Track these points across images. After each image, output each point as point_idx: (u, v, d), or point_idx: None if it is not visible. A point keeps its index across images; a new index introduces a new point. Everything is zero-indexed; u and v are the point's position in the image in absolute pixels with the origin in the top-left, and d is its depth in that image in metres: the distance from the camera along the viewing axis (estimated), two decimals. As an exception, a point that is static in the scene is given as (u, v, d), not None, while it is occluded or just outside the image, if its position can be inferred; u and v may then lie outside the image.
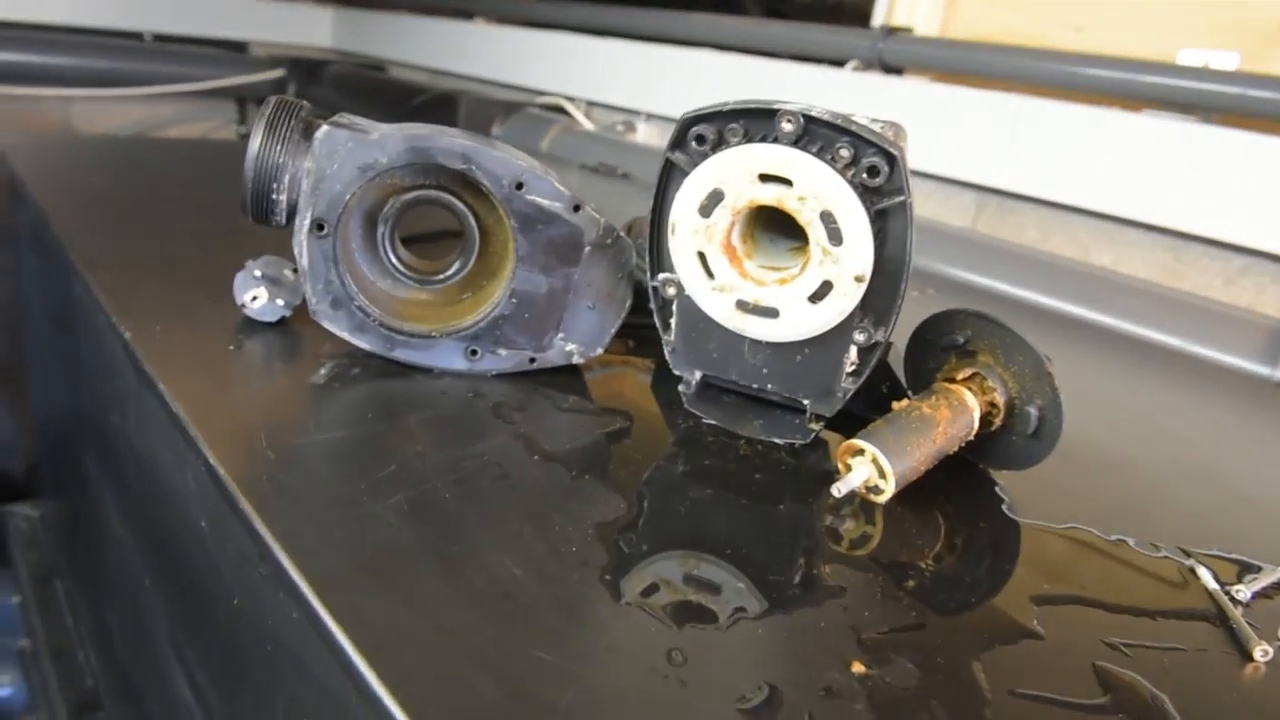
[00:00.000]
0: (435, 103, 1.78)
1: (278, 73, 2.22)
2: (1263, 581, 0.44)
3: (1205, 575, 0.43)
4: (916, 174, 1.28)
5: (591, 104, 1.77)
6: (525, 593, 0.34)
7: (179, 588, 0.56)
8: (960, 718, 0.31)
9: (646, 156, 1.47)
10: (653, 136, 1.65)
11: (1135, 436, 0.63)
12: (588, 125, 1.69)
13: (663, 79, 1.60)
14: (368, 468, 0.41)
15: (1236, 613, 0.41)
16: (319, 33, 2.45)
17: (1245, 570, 0.45)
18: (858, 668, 0.32)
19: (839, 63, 1.34)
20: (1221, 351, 0.88)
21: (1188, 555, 0.45)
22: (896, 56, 1.27)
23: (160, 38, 2.23)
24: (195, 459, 0.44)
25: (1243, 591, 0.42)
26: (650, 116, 1.65)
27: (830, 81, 1.33)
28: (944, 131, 1.20)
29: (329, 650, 0.31)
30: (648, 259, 0.49)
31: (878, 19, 1.33)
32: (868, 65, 1.31)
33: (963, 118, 1.18)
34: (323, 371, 0.51)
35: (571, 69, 1.79)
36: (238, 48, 2.35)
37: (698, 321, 0.48)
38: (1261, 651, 0.38)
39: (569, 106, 1.74)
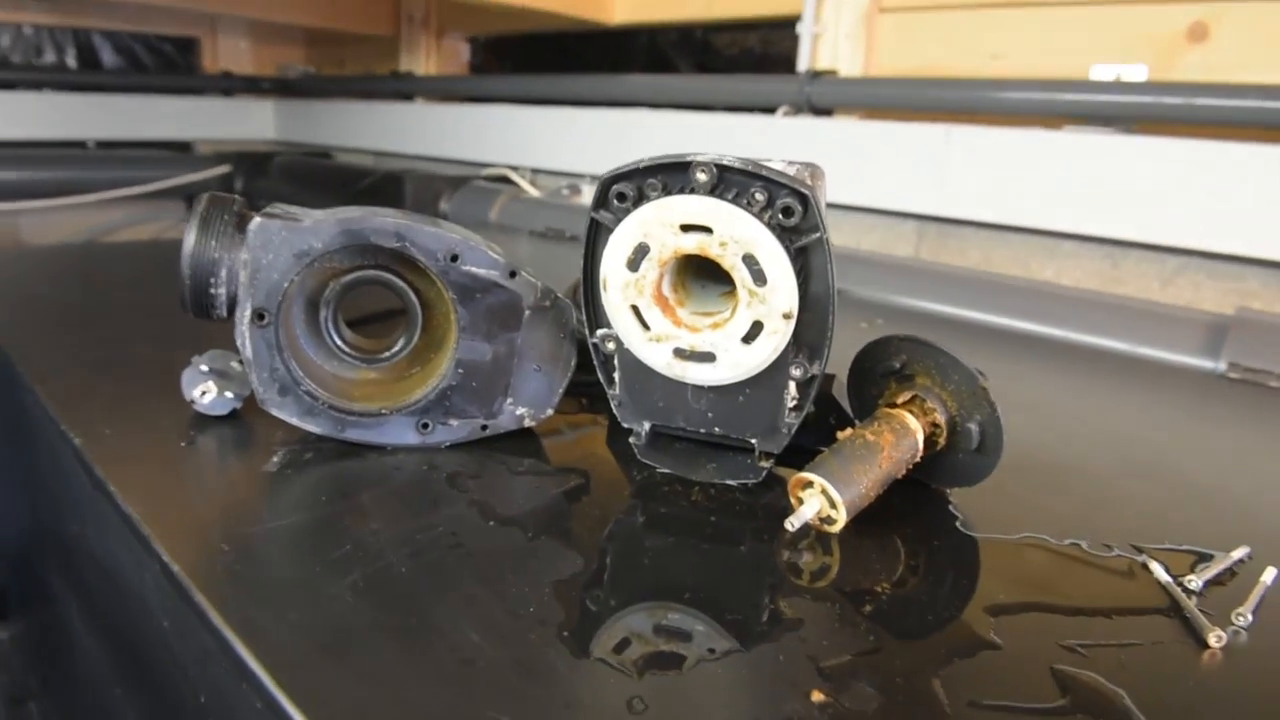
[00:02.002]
0: (382, 183, 1.81)
1: (224, 169, 2.24)
2: (1214, 569, 0.45)
3: (1157, 569, 0.44)
4: (858, 209, 1.31)
5: (536, 171, 1.80)
6: (483, 657, 0.34)
7: (149, 693, 0.55)
8: (920, 735, 0.31)
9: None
10: (599, 196, 1.68)
11: (1085, 440, 0.65)
12: (533, 192, 1.71)
13: (603, 141, 1.64)
14: (322, 549, 0.41)
15: (1190, 603, 0.41)
16: (262, 126, 2.48)
17: (1198, 560, 0.46)
18: (817, 696, 0.33)
19: (770, 109, 1.38)
20: (1165, 350, 0.91)
21: (1140, 551, 0.46)
22: (824, 99, 1.31)
23: (104, 144, 2.24)
24: (150, 559, 0.44)
25: (1195, 581, 0.43)
26: (594, 179, 1.68)
27: (764, 128, 1.37)
28: (879, 166, 1.24)
29: (289, 737, 0.31)
30: (585, 316, 0.50)
31: (802, 64, 1.38)
32: (798, 109, 1.35)
33: (895, 151, 1.22)
34: (275, 459, 0.52)
35: (513, 139, 1.82)
36: (182, 147, 2.37)
37: (640, 373, 0.49)
38: (1216, 638, 0.39)
39: (514, 176, 1.77)
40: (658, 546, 0.44)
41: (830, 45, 1.35)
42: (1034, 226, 1.13)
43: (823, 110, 1.34)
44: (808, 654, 0.36)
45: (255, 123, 2.44)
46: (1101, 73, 1.12)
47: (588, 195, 1.65)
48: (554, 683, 0.33)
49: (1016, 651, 0.37)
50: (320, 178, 2.08)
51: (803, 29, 1.37)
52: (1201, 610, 0.41)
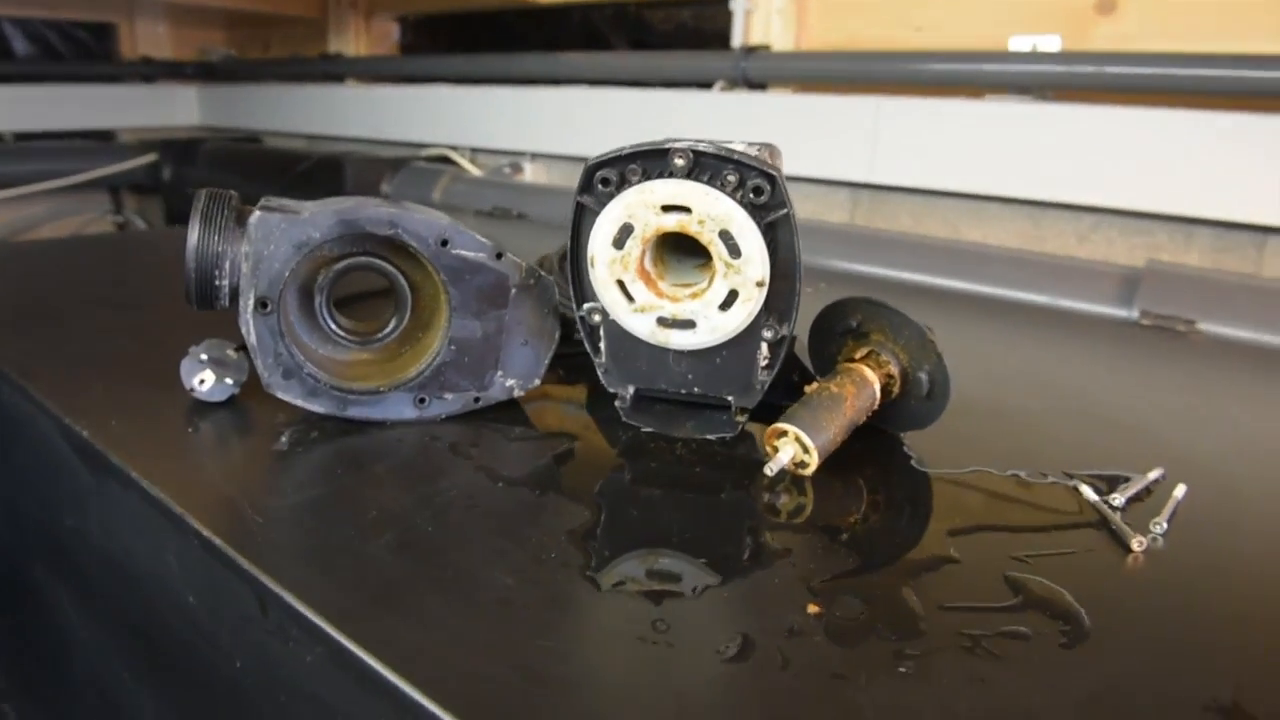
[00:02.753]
0: (319, 168, 1.80)
1: (149, 157, 2.20)
2: (1133, 488, 0.51)
3: (1086, 491, 0.51)
4: (793, 179, 1.37)
5: (476, 150, 1.82)
6: (520, 597, 0.38)
7: (166, 672, 0.58)
8: (903, 633, 0.37)
9: (538, 195, 1.53)
10: (540, 175, 1.71)
11: (1017, 387, 0.71)
12: (475, 172, 1.73)
13: (542, 119, 1.66)
14: (351, 517, 0.45)
15: (1115, 516, 0.48)
16: (186, 112, 2.43)
17: (1119, 482, 0.53)
18: (813, 609, 0.38)
19: (706, 84, 1.43)
20: (1084, 302, 0.99)
21: (1071, 478, 0.53)
22: (758, 73, 1.36)
23: (21, 136, 2.18)
24: (179, 537, 0.47)
25: (1118, 499, 0.50)
26: (535, 156, 1.71)
27: (701, 102, 1.41)
28: (813, 137, 1.30)
29: (358, 676, 0.35)
30: (571, 292, 0.54)
31: (736, 40, 1.42)
32: (733, 84, 1.40)
33: (828, 122, 1.28)
34: (284, 439, 0.55)
35: (452, 119, 1.83)
36: (105, 137, 2.31)
37: (624, 342, 0.54)
38: (1138, 543, 0.45)
39: (454, 156, 1.79)
40: (654, 496, 0.49)
41: (763, 20, 1.40)
42: (961, 191, 1.20)
43: (757, 84, 1.39)
44: (799, 576, 0.41)
45: (179, 109, 2.39)
46: (1019, 43, 1.19)
47: (530, 172, 1.68)
48: (585, 613, 0.38)
49: (973, 564, 0.43)
50: (252, 163, 2.06)
51: (735, 5, 1.41)
52: (1125, 523, 0.47)
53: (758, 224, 0.47)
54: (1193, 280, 0.95)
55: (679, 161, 0.46)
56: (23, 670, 0.98)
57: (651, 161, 0.48)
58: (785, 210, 0.47)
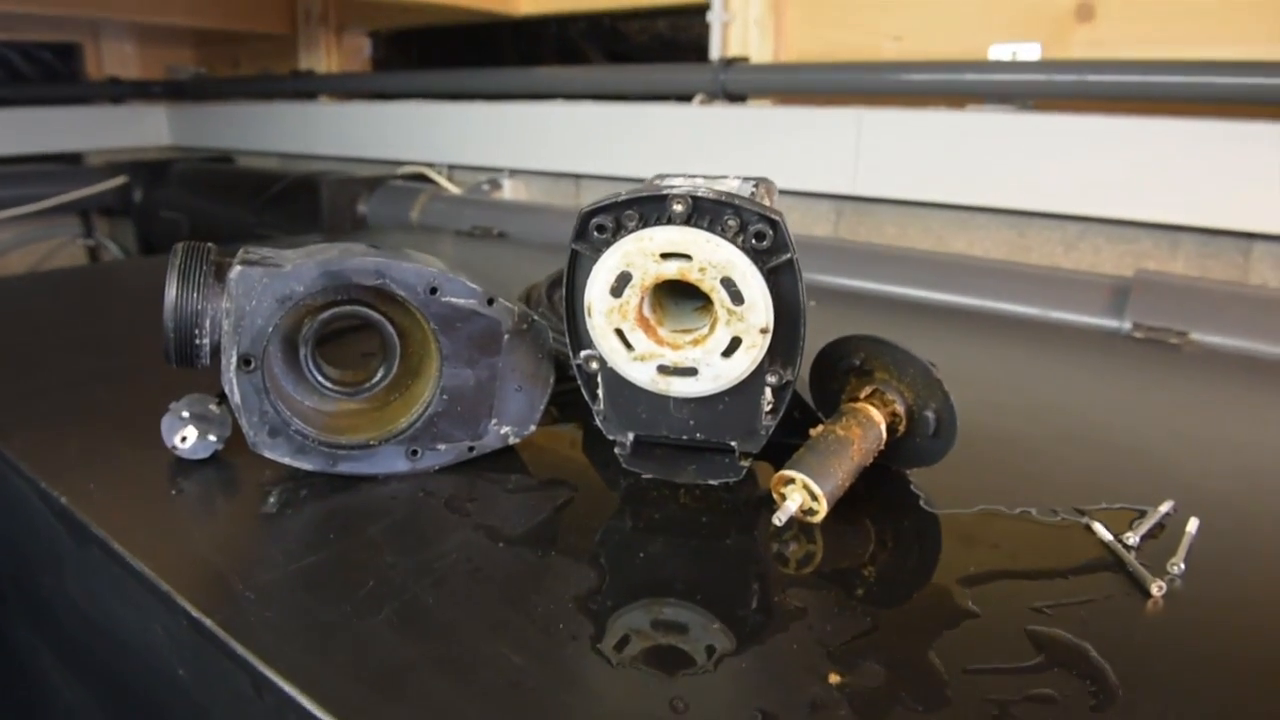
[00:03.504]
0: (295, 188, 1.77)
1: (120, 180, 2.16)
2: (1147, 524, 0.50)
3: (1099, 529, 0.50)
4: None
5: (453, 167, 1.80)
6: (529, 678, 0.37)
7: (155, 738, 0.56)
8: (929, 702, 0.36)
9: (518, 213, 1.51)
10: (519, 191, 1.69)
11: (1016, 409, 0.71)
12: (453, 189, 1.71)
13: (519, 134, 1.64)
14: (346, 588, 0.43)
15: (1130, 557, 0.47)
16: (156, 132, 2.39)
17: (1134, 516, 0.52)
18: (834, 678, 0.37)
19: (685, 97, 1.42)
20: (1073, 313, 0.98)
21: (1082, 514, 0.52)
22: (737, 85, 1.35)
23: (-14, 162, 2.13)
24: (167, 612, 0.45)
25: (1132, 537, 0.49)
26: (513, 172, 1.69)
27: (681, 117, 1.40)
28: (794, 150, 1.29)
29: (361, 772, 0.33)
30: (567, 339, 0.52)
31: (714, 52, 1.41)
32: (712, 97, 1.38)
33: (809, 134, 1.27)
34: (271, 500, 0.53)
35: (427, 135, 1.81)
36: (73, 159, 2.26)
37: (623, 389, 0.52)
38: (1157, 588, 0.44)
39: (431, 173, 1.77)
40: (660, 551, 0.47)
41: (740, 32, 1.39)
42: (945, 201, 1.19)
43: (737, 97, 1.38)
44: (816, 640, 0.40)
45: (148, 129, 2.35)
46: (999, 52, 1.19)
47: (509, 190, 1.66)
48: (599, 694, 0.36)
49: (993, 617, 0.42)
50: (225, 184, 2.03)
51: (713, 16, 1.40)
52: (1141, 563, 0.46)
53: (760, 270, 0.45)
54: (1183, 290, 0.95)
55: (678, 207, 0.45)
56: (3, 722, 0.95)
57: (648, 207, 0.46)
58: (788, 255, 0.46)
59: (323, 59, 2.12)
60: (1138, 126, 1.03)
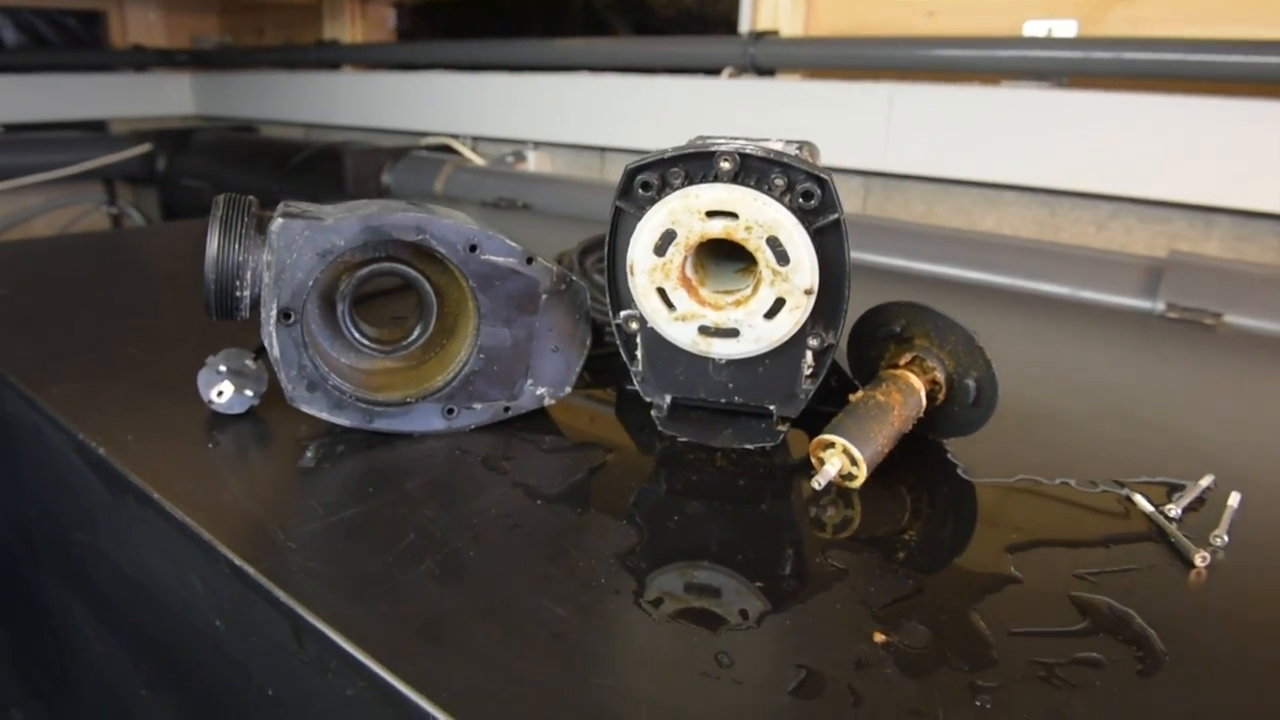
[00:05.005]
0: (318, 158, 1.77)
1: (144, 148, 2.17)
2: (1188, 497, 0.50)
3: (1141, 501, 0.49)
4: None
5: (477, 139, 1.79)
6: (572, 629, 0.37)
7: (190, 691, 0.56)
8: (975, 662, 0.35)
9: (543, 185, 1.51)
10: (544, 164, 1.69)
11: (1051, 387, 0.70)
12: (478, 161, 1.71)
13: (544, 106, 1.63)
14: (388, 541, 0.43)
15: (1173, 528, 0.47)
16: (180, 101, 2.39)
17: (1171, 490, 0.51)
18: (879, 637, 0.37)
19: (713, 71, 1.40)
20: (1106, 293, 0.97)
21: (1122, 486, 0.51)
22: (768, 59, 1.33)
23: (11, 127, 2.14)
24: (206, 562, 0.45)
25: (1174, 510, 0.48)
26: (538, 144, 1.68)
27: (709, 89, 1.39)
28: (823, 124, 1.27)
29: (407, 715, 0.33)
30: (607, 298, 0.52)
31: (744, 25, 1.40)
32: (741, 70, 1.37)
33: (839, 109, 1.26)
34: (309, 454, 0.53)
35: (451, 107, 1.81)
36: (97, 127, 2.27)
37: (663, 350, 0.52)
38: (1201, 558, 0.44)
39: (456, 144, 1.76)
40: (700, 512, 0.47)
41: (771, 5, 1.38)
42: (975, 179, 1.18)
43: (766, 71, 1.37)
44: (859, 600, 0.39)
45: (172, 98, 2.35)
46: (1034, 28, 1.17)
47: (533, 161, 1.65)
48: (643, 646, 0.36)
49: (1036, 583, 0.42)
50: (249, 154, 2.03)
51: (742, -10, 1.38)
52: (1184, 534, 0.46)
53: (806, 229, 0.45)
54: (1217, 271, 0.93)
55: (725, 165, 0.44)
56: (33, 677, 0.96)
57: (694, 165, 0.46)
58: (836, 215, 0.45)
59: (347, 29, 2.12)
60: (1174, 105, 1.01)
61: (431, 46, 1.91)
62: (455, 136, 1.79)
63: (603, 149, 1.59)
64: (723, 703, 0.33)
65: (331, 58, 2.07)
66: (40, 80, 2.15)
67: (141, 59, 2.31)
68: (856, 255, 1.14)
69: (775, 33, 1.36)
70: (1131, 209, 1.10)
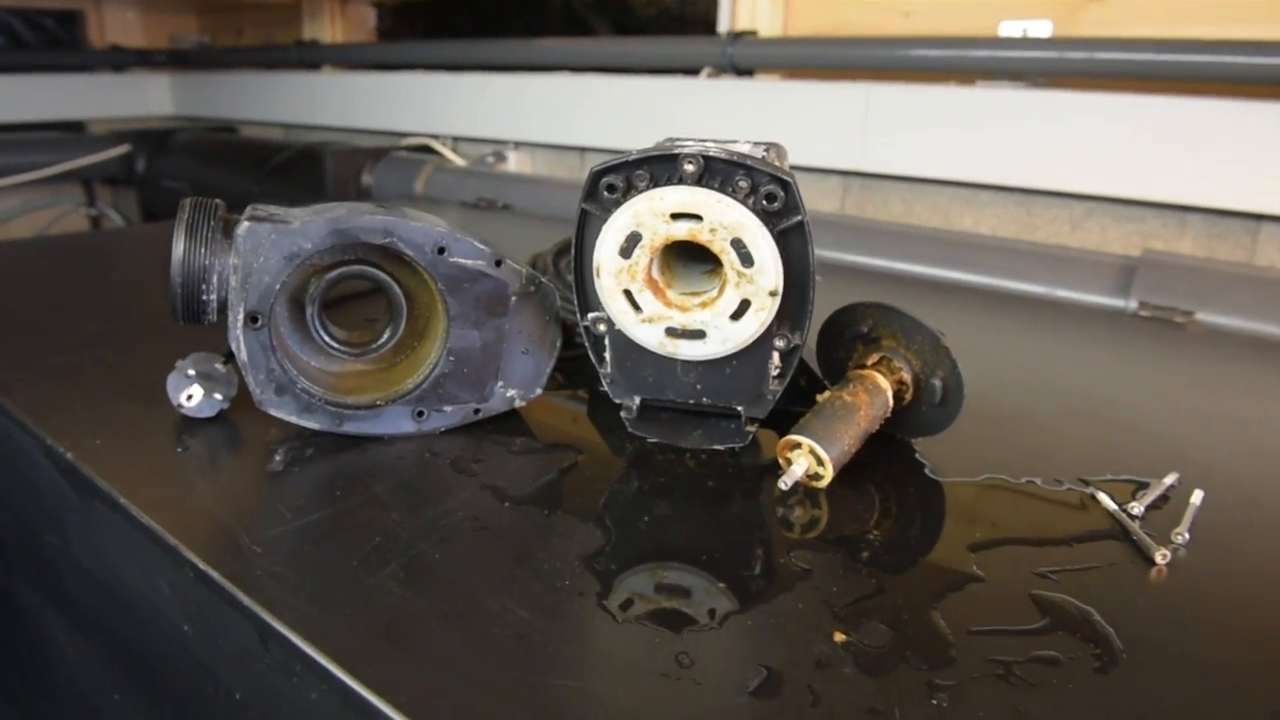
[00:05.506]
0: (298, 159, 1.77)
1: (123, 148, 2.15)
2: (1151, 495, 0.50)
3: (1104, 499, 0.50)
4: (783, 166, 1.35)
5: (457, 139, 1.79)
6: (535, 631, 0.37)
7: (160, 695, 0.56)
8: (934, 661, 0.36)
9: (522, 185, 1.51)
10: (524, 164, 1.69)
11: (1021, 384, 0.70)
12: (458, 161, 1.70)
13: (525, 106, 1.63)
14: (353, 544, 0.43)
15: (1135, 526, 0.47)
16: (159, 101, 2.38)
17: (1136, 488, 0.52)
18: (839, 637, 0.37)
19: (693, 71, 1.41)
20: (1080, 292, 0.98)
21: (1086, 484, 0.52)
22: (746, 59, 1.34)
23: (-12, 129, 2.12)
24: (172, 566, 0.45)
25: (1136, 507, 0.49)
26: (519, 144, 1.68)
27: (687, 89, 1.39)
28: (802, 125, 1.28)
29: (368, 718, 0.33)
30: (575, 300, 0.52)
31: (722, 25, 1.40)
32: (720, 70, 1.37)
33: (817, 109, 1.26)
34: (278, 458, 0.53)
35: (432, 107, 1.80)
36: (75, 128, 2.25)
37: (631, 352, 0.52)
38: (1161, 556, 0.44)
39: (436, 145, 1.76)
40: (666, 514, 0.47)
41: (749, 5, 1.38)
42: (952, 178, 1.19)
43: (745, 71, 1.37)
44: (821, 600, 0.40)
45: (151, 98, 2.34)
46: (1010, 28, 1.18)
47: (514, 162, 1.65)
48: (605, 648, 0.36)
49: (997, 581, 0.42)
50: (229, 154, 2.02)
51: (721, -10, 1.39)
52: (1146, 532, 0.46)
53: (770, 231, 0.45)
54: (1190, 270, 0.94)
55: (689, 167, 0.45)
56: (5, 682, 0.96)
57: (659, 167, 0.46)
58: (799, 217, 0.45)
59: (327, 29, 2.11)
60: (1147, 105, 1.02)
61: (412, 46, 1.91)
62: (435, 137, 1.78)
63: (583, 149, 1.59)
64: (681, 703, 0.33)
65: (311, 58, 2.06)
66: (17, 80, 2.13)
67: (120, 59, 2.30)
68: (835, 255, 1.14)
69: (754, 33, 1.37)
70: (1106, 208, 1.11)
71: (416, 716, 0.32)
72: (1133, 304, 0.93)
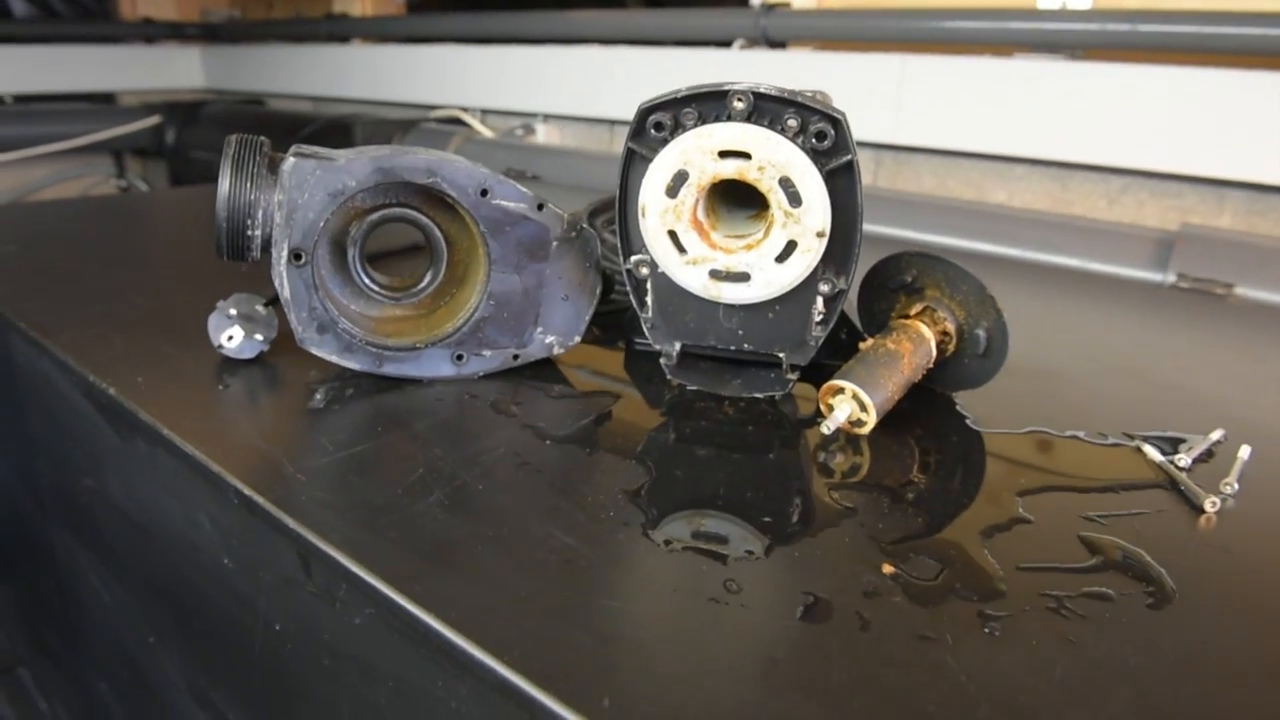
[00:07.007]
0: (328, 130, 1.77)
1: (153, 120, 2.16)
2: (1197, 449, 0.50)
3: (1151, 451, 0.49)
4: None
5: (486, 111, 1.79)
6: (582, 556, 0.37)
7: (197, 633, 0.57)
8: (984, 594, 0.35)
9: (551, 157, 1.50)
10: (553, 136, 1.68)
11: (1061, 348, 0.70)
12: (487, 133, 1.70)
13: (554, 79, 1.63)
14: (397, 474, 0.43)
15: (1183, 476, 0.46)
16: (189, 73, 2.39)
17: (1180, 443, 0.51)
18: (888, 569, 0.37)
19: (724, 43, 1.40)
20: (1117, 265, 0.97)
21: (1131, 438, 0.51)
22: (779, 31, 1.32)
23: (21, 99, 2.14)
24: (215, 497, 0.45)
25: (1184, 460, 0.48)
26: (547, 117, 1.68)
27: (719, 62, 1.38)
28: (835, 96, 1.26)
29: (416, 638, 0.33)
30: (618, 243, 0.52)
31: (755, -3, 1.39)
32: (753, 42, 1.36)
33: (850, 81, 1.25)
34: (318, 396, 0.53)
35: (462, 79, 1.80)
36: (105, 99, 2.27)
37: (673, 296, 0.52)
38: (1211, 503, 0.44)
39: (466, 117, 1.75)
40: (706, 456, 0.47)
41: (782, -23, 1.36)
42: (986, 152, 1.17)
43: (777, 43, 1.36)
44: (868, 536, 0.39)
45: (182, 71, 2.35)
46: (1048, 1, 1.16)
47: (542, 133, 1.64)
48: (652, 574, 0.36)
49: (1045, 524, 0.41)
50: (257, 126, 2.02)
51: (755, -39, 1.37)
52: (1194, 482, 0.46)
53: (819, 170, 0.45)
54: (1229, 244, 0.93)
55: (738, 104, 0.44)
56: (39, 634, 0.97)
57: (708, 105, 0.46)
58: (849, 157, 0.45)
59: (357, 2, 2.11)
60: (1188, 78, 1.00)
61: (441, 19, 1.90)
62: (465, 109, 1.78)
63: (612, 122, 1.58)
64: (730, 625, 0.33)
65: (341, 31, 2.07)
66: (49, 52, 2.15)
67: (151, 31, 2.31)
68: (867, 228, 1.13)
69: (787, 4, 1.35)
70: (1144, 183, 1.09)
71: (467, 631, 0.32)
72: (1170, 277, 0.92)
